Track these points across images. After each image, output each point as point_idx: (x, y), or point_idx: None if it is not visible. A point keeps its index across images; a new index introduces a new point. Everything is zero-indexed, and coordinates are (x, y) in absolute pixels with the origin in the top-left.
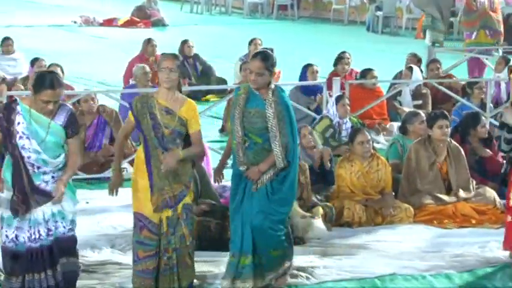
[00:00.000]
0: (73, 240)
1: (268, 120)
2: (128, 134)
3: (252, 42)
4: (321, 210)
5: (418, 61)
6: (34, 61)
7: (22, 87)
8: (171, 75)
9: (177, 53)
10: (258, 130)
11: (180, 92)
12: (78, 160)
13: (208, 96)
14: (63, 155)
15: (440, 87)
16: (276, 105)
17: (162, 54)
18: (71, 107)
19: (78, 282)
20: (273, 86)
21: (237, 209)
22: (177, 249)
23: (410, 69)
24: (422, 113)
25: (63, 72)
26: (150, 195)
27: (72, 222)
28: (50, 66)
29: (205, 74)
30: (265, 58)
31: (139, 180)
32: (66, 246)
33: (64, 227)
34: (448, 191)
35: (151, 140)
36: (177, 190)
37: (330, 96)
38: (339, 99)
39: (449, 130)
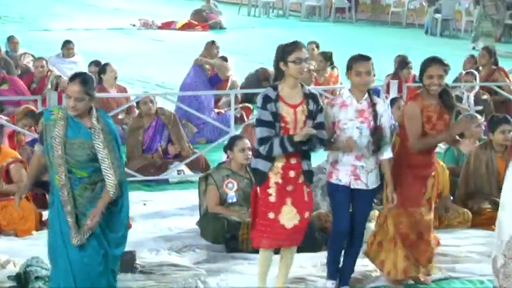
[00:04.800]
0: None
1: (98, 151)
2: None
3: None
4: (376, 213)
5: (475, 63)
6: (105, 66)
7: None
8: None
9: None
10: (83, 163)
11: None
12: None
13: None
14: None
15: (501, 91)
16: (104, 134)
17: None
18: None
19: (136, 284)
20: (95, 111)
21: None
22: None
23: (471, 73)
24: (478, 116)
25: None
26: None
27: None
28: (104, 66)
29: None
30: (85, 81)
31: None
32: None
33: None
34: None
35: None
36: None
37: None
38: (394, 101)
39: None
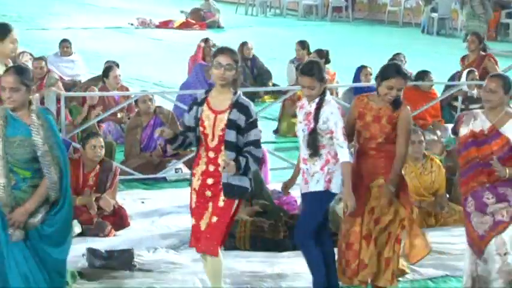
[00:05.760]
0: None
1: (38, 149)
2: None
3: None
4: None
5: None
6: (108, 70)
7: (96, 89)
8: None
9: None
10: (25, 162)
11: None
12: None
13: (265, 97)
14: None
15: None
16: (44, 131)
17: None
18: None
19: (134, 281)
20: (34, 106)
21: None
22: None
23: (473, 72)
24: None
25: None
26: None
27: None
28: (106, 69)
29: (261, 77)
30: (19, 71)
31: None
32: None
33: None
34: None
35: None
36: None
37: None
38: None
39: None
